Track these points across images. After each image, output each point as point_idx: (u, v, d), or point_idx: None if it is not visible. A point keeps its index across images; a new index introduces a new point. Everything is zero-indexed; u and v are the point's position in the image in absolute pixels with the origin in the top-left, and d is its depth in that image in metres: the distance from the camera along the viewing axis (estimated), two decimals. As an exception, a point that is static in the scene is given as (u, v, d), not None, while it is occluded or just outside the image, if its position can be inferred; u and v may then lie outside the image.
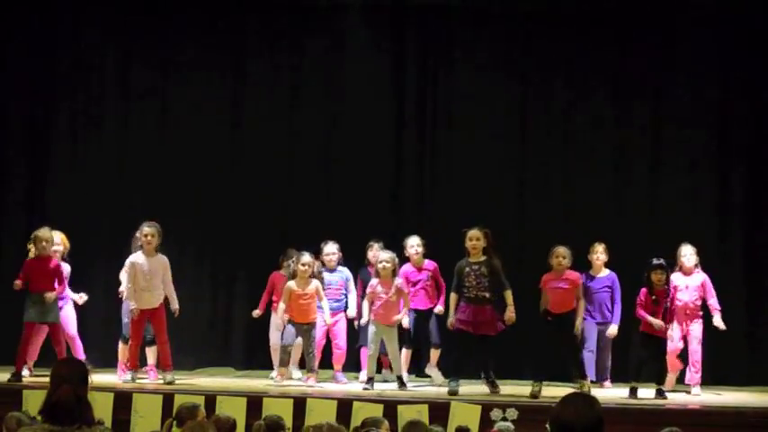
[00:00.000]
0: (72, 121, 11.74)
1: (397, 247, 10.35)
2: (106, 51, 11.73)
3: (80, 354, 9.99)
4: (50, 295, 9.69)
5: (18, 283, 9.76)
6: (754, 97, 11.34)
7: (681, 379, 10.11)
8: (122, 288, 10.11)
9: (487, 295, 9.40)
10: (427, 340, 10.19)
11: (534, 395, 9.29)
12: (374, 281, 9.74)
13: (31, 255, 9.90)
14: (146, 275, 9.82)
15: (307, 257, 9.76)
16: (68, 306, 10.19)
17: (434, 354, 10.24)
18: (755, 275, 11.19)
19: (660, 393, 9.50)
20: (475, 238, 9.44)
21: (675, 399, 9.55)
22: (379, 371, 10.32)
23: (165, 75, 11.73)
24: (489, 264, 9.42)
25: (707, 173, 11.36)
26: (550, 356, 9.71)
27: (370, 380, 9.65)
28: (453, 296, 9.54)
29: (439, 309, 10.00)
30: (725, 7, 11.23)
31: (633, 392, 9.52)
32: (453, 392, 9.27)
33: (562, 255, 9.60)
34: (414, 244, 10.07)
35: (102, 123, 11.71)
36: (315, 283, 9.81)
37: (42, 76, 11.66)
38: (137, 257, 9.90)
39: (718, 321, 9.85)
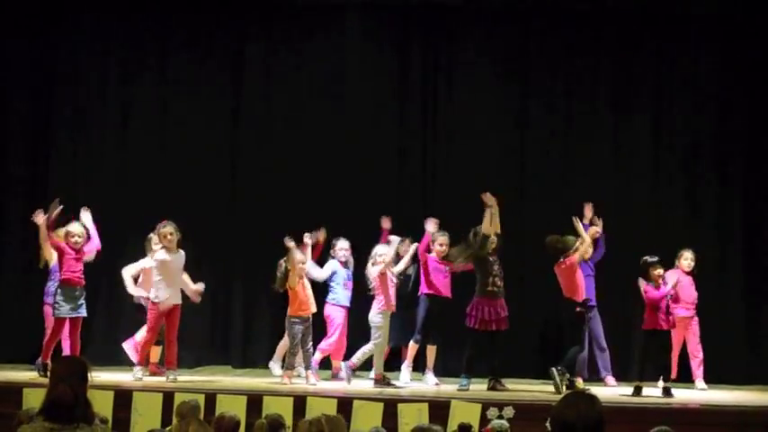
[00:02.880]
0: (72, 124, 11.71)
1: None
2: (106, 53, 11.71)
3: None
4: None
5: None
6: (754, 97, 11.35)
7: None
8: (132, 291, 10.19)
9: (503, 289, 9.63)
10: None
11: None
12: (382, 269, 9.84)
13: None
14: (171, 272, 9.88)
15: (299, 255, 9.83)
16: None
17: (430, 352, 10.23)
18: (755, 275, 11.19)
19: (667, 392, 9.49)
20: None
21: (676, 397, 9.52)
22: (389, 368, 10.38)
23: (164, 76, 11.70)
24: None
25: (707, 173, 11.37)
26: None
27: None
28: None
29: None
30: (726, 6, 11.24)
31: (638, 391, 9.51)
32: (465, 390, 9.41)
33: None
34: (442, 242, 10.18)
35: (102, 127, 11.69)
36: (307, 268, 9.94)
37: (42, 78, 11.65)
38: (163, 256, 9.93)
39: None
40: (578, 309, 9.61)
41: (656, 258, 9.73)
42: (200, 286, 10.11)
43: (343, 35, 11.61)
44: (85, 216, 10.04)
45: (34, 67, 11.64)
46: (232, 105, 11.69)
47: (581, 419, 3.63)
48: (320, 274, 10.24)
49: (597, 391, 9.38)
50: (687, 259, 10.39)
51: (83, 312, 9.77)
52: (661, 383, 9.64)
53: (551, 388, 9.48)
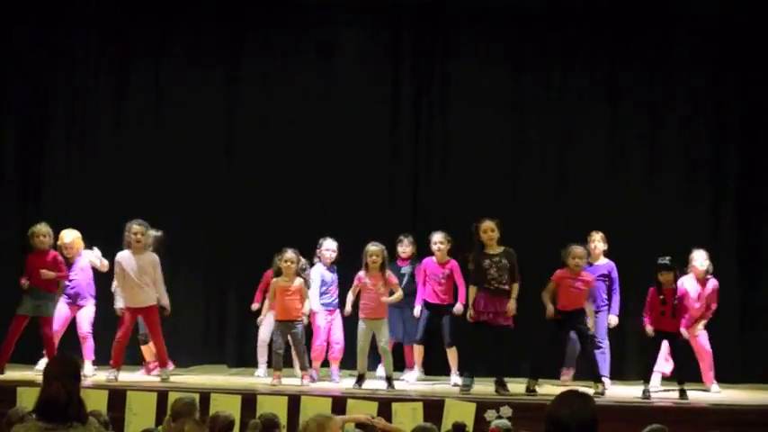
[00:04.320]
0: (67, 123, 11.69)
1: (392, 243, 10.34)
2: (103, 51, 11.69)
3: (90, 354, 10.03)
4: (24, 282, 9.74)
5: (24, 282, 9.74)
6: (750, 94, 11.37)
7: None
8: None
9: (507, 288, 9.43)
10: (437, 336, 10.15)
11: (530, 390, 9.39)
12: (362, 273, 9.72)
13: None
14: (135, 273, 9.82)
15: (290, 254, 9.76)
16: (90, 305, 10.18)
17: (451, 354, 10.17)
18: (749, 273, 11.20)
19: (682, 393, 9.45)
20: (490, 230, 9.50)
21: (673, 397, 9.52)
22: (401, 368, 10.35)
23: (160, 76, 11.68)
24: (508, 255, 9.48)
25: (704, 170, 11.38)
26: (553, 353, 9.79)
27: (361, 378, 9.61)
28: (473, 289, 9.52)
29: (458, 307, 9.91)
30: (724, 7, 11.26)
31: (683, 394, 9.41)
32: (467, 390, 9.32)
33: (579, 256, 9.57)
34: (436, 240, 10.05)
35: (98, 127, 11.65)
36: (299, 280, 9.81)
37: (38, 76, 11.63)
38: (122, 256, 9.90)
39: (701, 328, 10.06)
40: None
41: (665, 261, 9.54)
42: (166, 303, 9.99)
43: (338, 33, 11.59)
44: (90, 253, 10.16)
45: (30, 67, 11.62)
46: (228, 105, 11.66)
47: (575, 418, 3.63)
48: (315, 302, 10.10)
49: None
50: (698, 260, 9.98)
51: (48, 312, 9.79)
52: (658, 383, 9.73)
53: (546, 389, 9.51)
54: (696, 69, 11.41)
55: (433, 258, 10.04)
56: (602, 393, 9.30)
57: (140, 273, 9.81)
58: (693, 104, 11.43)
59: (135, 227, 9.86)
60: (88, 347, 10.08)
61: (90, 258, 10.20)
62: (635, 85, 11.44)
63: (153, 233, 9.98)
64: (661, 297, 9.50)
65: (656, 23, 11.43)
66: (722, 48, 11.32)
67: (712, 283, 10.08)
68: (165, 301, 9.96)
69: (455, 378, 9.97)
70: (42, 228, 9.86)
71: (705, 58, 11.39)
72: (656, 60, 11.43)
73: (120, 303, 9.87)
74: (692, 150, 11.41)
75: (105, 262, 10.19)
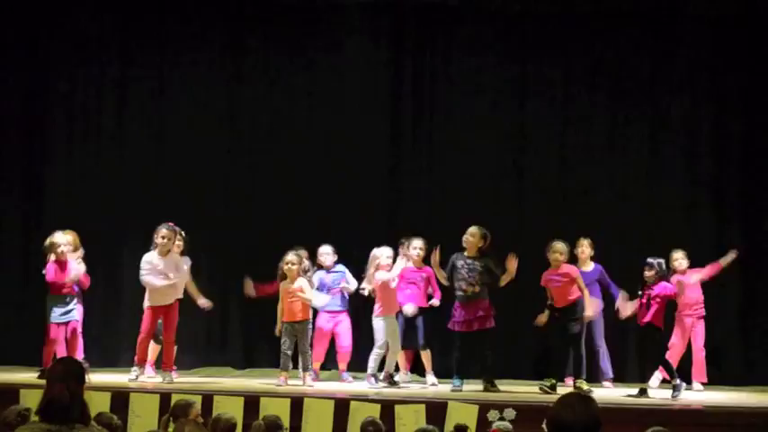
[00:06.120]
0: (69, 122, 11.72)
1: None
2: (105, 50, 11.71)
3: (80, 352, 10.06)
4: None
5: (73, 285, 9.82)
6: (750, 96, 11.38)
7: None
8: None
9: (477, 289, 9.55)
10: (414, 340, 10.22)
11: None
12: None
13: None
14: (162, 272, 9.82)
15: (290, 256, 9.79)
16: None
17: (425, 356, 10.22)
18: (750, 275, 11.21)
19: (643, 392, 9.54)
20: (470, 235, 9.70)
21: (671, 398, 9.52)
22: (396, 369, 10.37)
23: (162, 76, 11.70)
24: (484, 259, 9.65)
25: (704, 172, 11.40)
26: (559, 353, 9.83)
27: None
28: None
29: (434, 301, 10.16)
30: (724, 7, 11.26)
31: (643, 392, 9.51)
32: (458, 391, 9.41)
33: (558, 251, 9.82)
34: (416, 246, 10.15)
35: (98, 127, 11.68)
36: (301, 280, 9.81)
37: (39, 75, 11.65)
38: (149, 257, 9.86)
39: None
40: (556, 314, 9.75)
41: (650, 260, 9.60)
42: (204, 303, 10.12)
43: (340, 34, 11.61)
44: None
45: (31, 66, 11.65)
46: (230, 104, 11.68)
47: (577, 421, 3.63)
48: (317, 299, 10.11)
49: (599, 391, 9.44)
50: (677, 260, 10.32)
51: (74, 317, 9.86)
52: (656, 382, 9.79)
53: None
54: (697, 70, 11.42)
55: (410, 263, 10.15)
56: (589, 392, 9.34)
57: (165, 272, 9.83)
58: (694, 106, 11.44)
59: (160, 229, 9.84)
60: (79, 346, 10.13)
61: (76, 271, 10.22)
62: (636, 85, 11.44)
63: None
64: (639, 293, 9.64)
65: (657, 23, 11.43)
66: (727, 49, 11.33)
67: (696, 275, 10.43)
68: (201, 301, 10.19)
69: (431, 378, 10.10)
70: (62, 237, 9.84)
71: (706, 59, 11.40)
72: (658, 62, 11.43)
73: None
74: (692, 152, 11.42)
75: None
